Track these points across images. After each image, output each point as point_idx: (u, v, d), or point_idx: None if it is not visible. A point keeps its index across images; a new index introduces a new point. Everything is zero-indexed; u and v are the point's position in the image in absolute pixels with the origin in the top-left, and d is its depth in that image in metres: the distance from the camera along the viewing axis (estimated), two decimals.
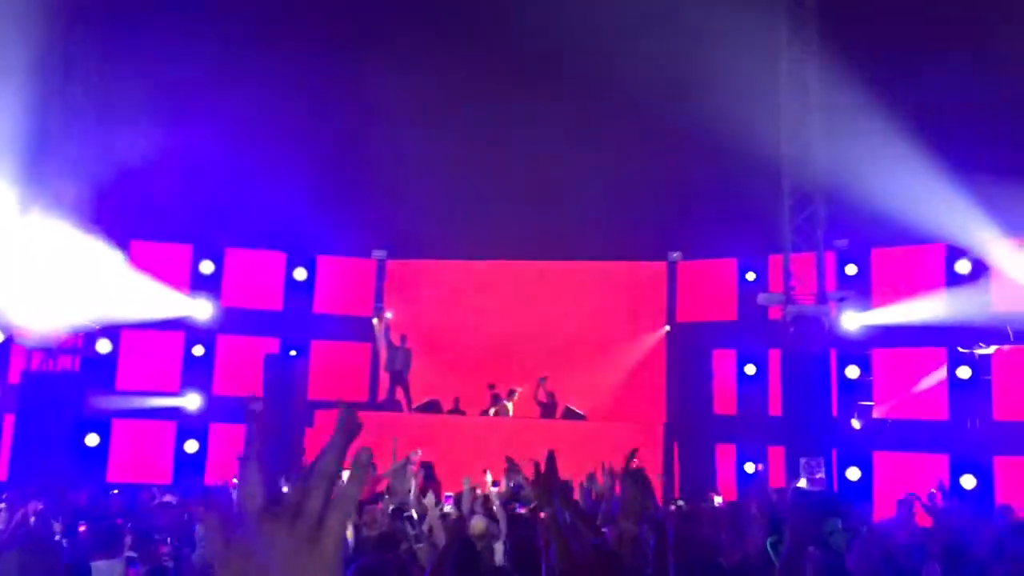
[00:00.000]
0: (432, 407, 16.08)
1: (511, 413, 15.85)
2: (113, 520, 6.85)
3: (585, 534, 3.56)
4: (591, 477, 8.34)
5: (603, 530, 3.83)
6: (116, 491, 11.86)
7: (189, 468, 15.94)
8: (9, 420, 14.67)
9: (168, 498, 10.07)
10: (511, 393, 16.02)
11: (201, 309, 16.93)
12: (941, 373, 14.71)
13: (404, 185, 15.88)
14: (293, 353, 16.61)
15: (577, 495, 7.72)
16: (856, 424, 14.62)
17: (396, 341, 16.66)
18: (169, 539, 7.15)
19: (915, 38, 12.00)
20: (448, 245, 17.43)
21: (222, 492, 10.20)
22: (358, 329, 18.02)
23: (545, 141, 14.61)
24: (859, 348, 15.00)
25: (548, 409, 15.93)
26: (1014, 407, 14.07)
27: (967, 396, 14.35)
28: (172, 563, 6.39)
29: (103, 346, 16.18)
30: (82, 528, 6.84)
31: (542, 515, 3.91)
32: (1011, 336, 13.99)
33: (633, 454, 3.91)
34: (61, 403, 14.17)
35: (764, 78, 12.97)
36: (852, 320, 14.48)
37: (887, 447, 14.40)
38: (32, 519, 6.90)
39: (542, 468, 3.76)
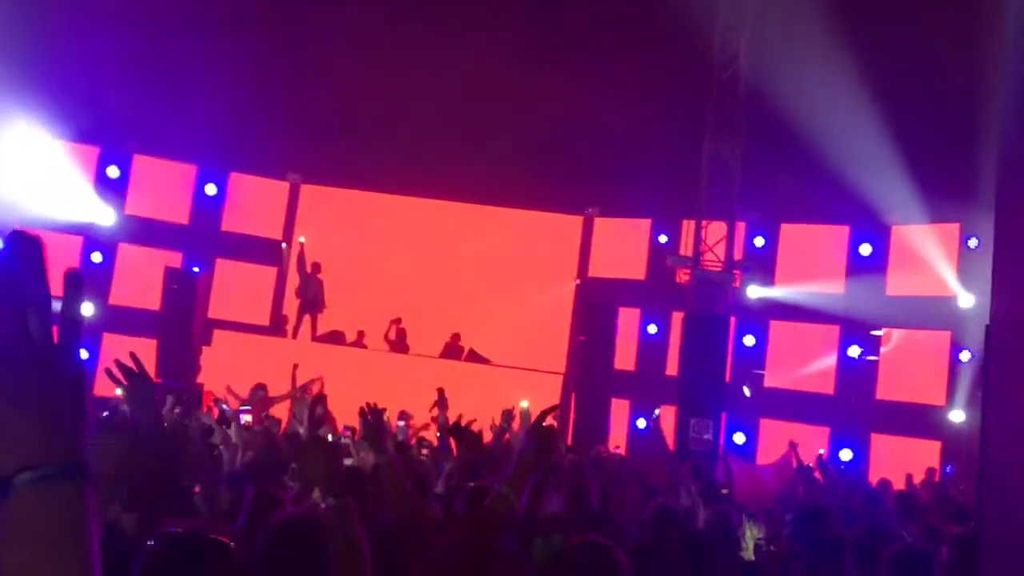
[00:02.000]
0: (335, 338, 15.94)
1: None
2: None
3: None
4: (507, 415, 7.53)
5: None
6: None
7: None
8: None
9: None
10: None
11: (104, 215, 16.33)
12: (831, 358, 15.22)
13: (326, 109, 15.47)
14: (196, 270, 16.16)
15: (491, 437, 7.51)
16: (747, 392, 15.08)
17: (308, 269, 16.39)
18: None
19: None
20: (365, 175, 17.09)
21: None
22: (266, 251, 17.65)
23: (477, 79, 14.38)
24: (758, 318, 15.44)
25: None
26: (895, 388, 14.74)
27: (853, 374, 14.93)
28: None
29: None
30: None
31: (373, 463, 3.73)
32: (902, 321, 14.59)
33: (550, 411, 3.36)
34: None
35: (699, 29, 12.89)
36: (754, 291, 14.88)
37: (773, 415, 14.92)
38: None
39: (369, 416, 3.61)
